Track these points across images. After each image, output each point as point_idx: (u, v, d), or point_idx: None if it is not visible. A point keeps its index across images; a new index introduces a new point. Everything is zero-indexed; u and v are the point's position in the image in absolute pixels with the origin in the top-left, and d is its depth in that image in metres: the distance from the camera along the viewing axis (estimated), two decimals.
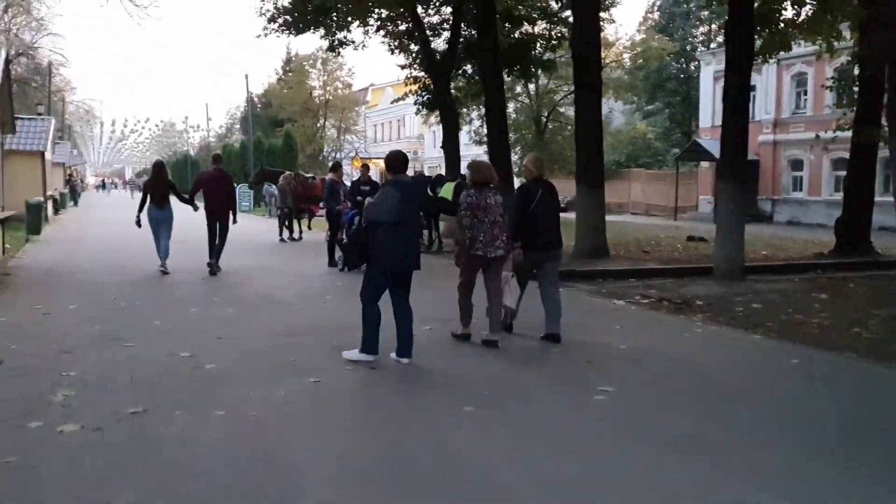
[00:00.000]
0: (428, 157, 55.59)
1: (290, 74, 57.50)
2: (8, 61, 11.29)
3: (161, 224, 12.81)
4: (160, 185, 12.89)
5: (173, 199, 13.02)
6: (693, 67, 44.55)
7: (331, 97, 54.83)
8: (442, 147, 21.60)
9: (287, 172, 21.90)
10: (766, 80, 32.28)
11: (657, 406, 5.55)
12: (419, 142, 60.95)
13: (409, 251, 6.58)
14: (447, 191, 16.84)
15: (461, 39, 21.52)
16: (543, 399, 5.70)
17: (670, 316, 9.69)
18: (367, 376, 6.26)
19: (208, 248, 12.94)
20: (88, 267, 13.77)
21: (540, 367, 6.89)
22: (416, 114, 26.51)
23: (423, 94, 22.39)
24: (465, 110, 26.45)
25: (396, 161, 6.72)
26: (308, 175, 24.08)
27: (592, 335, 8.13)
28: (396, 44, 22.63)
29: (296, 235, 20.66)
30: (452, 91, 22.27)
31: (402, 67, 23.62)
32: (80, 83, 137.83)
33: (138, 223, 12.76)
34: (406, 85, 23.26)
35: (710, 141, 33.47)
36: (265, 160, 38.64)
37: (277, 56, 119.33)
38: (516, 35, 22.30)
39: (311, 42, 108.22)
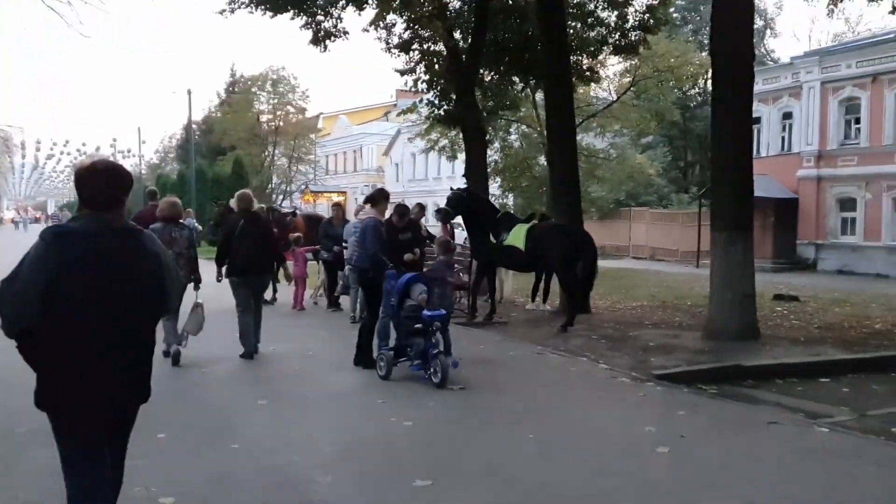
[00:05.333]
0: (391, 192, 50.05)
1: (234, 95, 51.17)
2: None
3: None
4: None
5: None
6: (693, 94, 40.37)
7: (281, 123, 48.80)
8: (465, 175, 16.12)
9: (257, 206, 15.17)
10: (807, 105, 27.87)
11: None
12: (378, 175, 55.39)
13: (99, 382, 3.28)
14: (517, 236, 11.39)
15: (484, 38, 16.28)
16: None
17: None
18: None
19: None
20: None
21: None
22: (427, 132, 20.91)
23: (440, 104, 16.90)
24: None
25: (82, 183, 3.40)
26: (287, 210, 18.14)
27: None
28: (398, 41, 17.25)
29: (268, 296, 14.77)
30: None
31: (402, 73, 18.14)
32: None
33: None
34: (416, 93, 17.74)
35: None
36: (210, 192, 32.42)
37: (220, 79, 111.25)
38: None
39: (260, 60, 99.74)
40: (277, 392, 7.37)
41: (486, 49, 16.48)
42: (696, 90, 38.61)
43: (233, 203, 9.87)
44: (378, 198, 8.67)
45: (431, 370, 7.42)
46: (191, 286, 8.43)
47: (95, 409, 3.34)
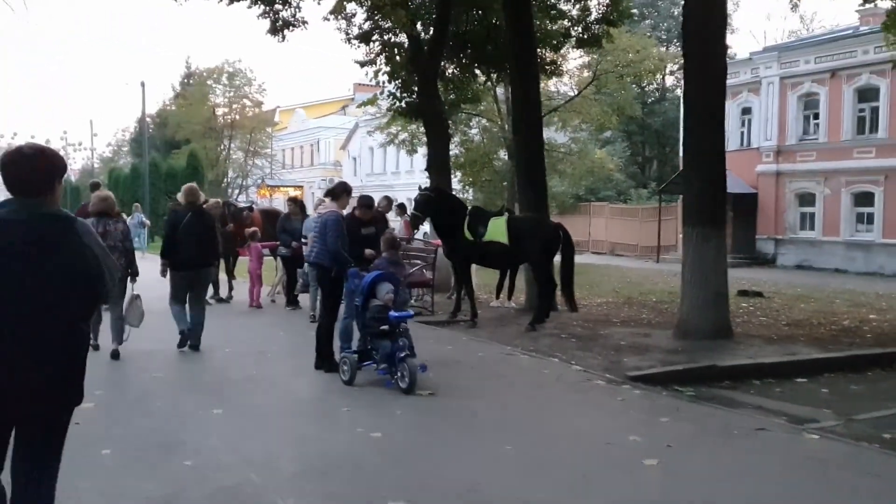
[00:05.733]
0: None
1: (190, 88, 49.90)
2: None
3: None
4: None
5: None
6: (651, 90, 40.43)
7: (237, 116, 47.77)
8: (427, 169, 15.68)
9: (213, 200, 13.68)
10: (766, 101, 27.96)
11: None
12: (336, 169, 54.65)
13: (13, 376, 3.05)
14: (497, 230, 10.99)
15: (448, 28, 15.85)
16: None
17: None
18: None
19: None
20: None
21: None
22: (387, 125, 20.40)
23: (401, 96, 16.43)
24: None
25: (8, 168, 3.22)
26: (243, 205, 17.48)
27: None
28: (358, 31, 16.72)
29: (223, 294, 14.19)
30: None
31: (363, 65, 17.62)
32: None
33: None
34: (376, 86, 17.26)
35: None
36: (164, 186, 31.47)
37: (175, 71, 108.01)
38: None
39: (216, 53, 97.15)
40: (233, 399, 6.86)
41: (449, 41, 16.07)
42: (654, 85, 38.69)
43: (180, 197, 9.46)
44: (339, 192, 8.15)
45: (398, 374, 6.97)
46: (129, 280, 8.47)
47: (10, 405, 3.11)
